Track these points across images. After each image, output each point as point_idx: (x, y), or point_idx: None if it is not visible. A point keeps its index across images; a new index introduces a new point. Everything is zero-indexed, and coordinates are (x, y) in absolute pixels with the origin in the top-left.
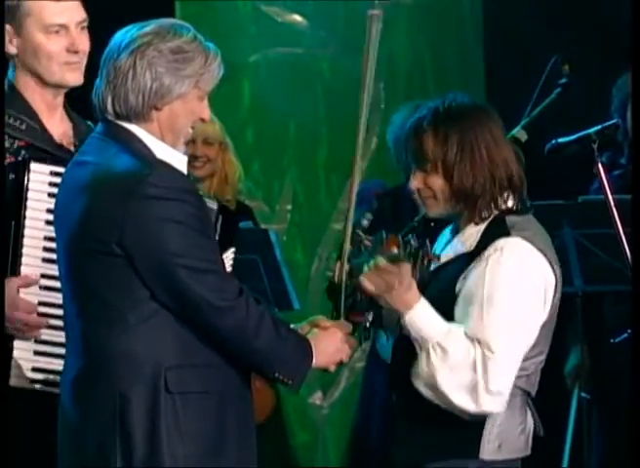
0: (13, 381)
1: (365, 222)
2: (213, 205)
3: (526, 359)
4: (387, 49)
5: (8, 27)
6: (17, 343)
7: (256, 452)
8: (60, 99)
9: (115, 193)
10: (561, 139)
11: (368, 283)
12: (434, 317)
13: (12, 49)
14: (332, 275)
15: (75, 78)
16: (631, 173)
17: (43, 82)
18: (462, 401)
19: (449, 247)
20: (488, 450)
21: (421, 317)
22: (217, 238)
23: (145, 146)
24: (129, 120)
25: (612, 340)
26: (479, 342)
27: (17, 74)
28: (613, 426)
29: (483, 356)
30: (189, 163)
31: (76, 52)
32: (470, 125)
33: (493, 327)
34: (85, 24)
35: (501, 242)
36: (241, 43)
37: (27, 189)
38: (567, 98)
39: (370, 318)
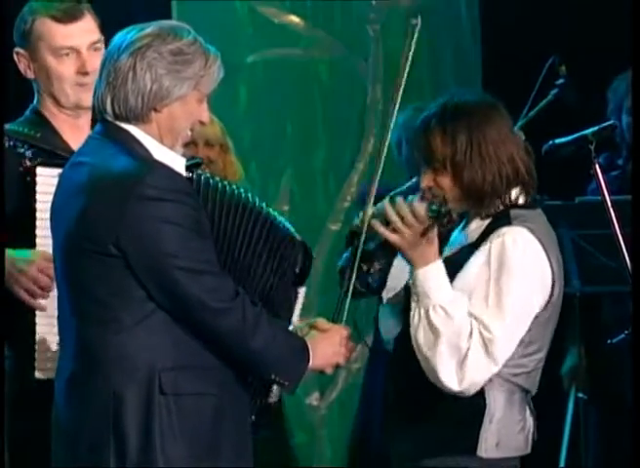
0: (38, 374)
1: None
2: (299, 239)
3: (524, 356)
4: (384, 50)
5: (23, 52)
6: (39, 337)
7: (251, 454)
8: (85, 120)
9: (112, 194)
10: (558, 140)
11: (397, 230)
12: (445, 281)
13: (30, 74)
14: (355, 223)
15: (90, 99)
16: (631, 173)
17: (61, 105)
18: (448, 374)
19: (456, 240)
20: (486, 448)
21: (434, 276)
22: (297, 270)
23: (144, 147)
24: (128, 121)
25: (609, 341)
26: (485, 325)
27: (39, 98)
28: (609, 426)
29: (481, 335)
30: (197, 167)
31: (86, 73)
32: (477, 123)
33: (500, 314)
34: (99, 45)
35: (504, 230)
36: (238, 44)
37: (35, 192)
38: (564, 99)
39: (377, 267)
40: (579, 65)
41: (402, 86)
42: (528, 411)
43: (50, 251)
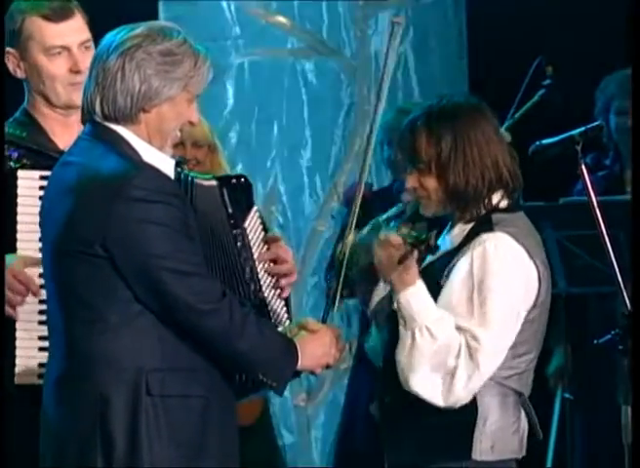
0: (18, 379)
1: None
2: (212, 182)
3: (515, 357)
4: (372, 52)
5: (13, 52)
6: (19, 342)
7: (238, 455)
8: (75, 118)
9: (99, 194)
10: (545, 141)
11: (375, 254)
12: (429, 301)
13: (20, 73)
14: (337, 251)
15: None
16: (632, 173)
17: (52, 104)
18: (432, 392)
19: (440, 246)
20: (480, 451)
21: (416, 298)
22: (230, 211)
23: (132, 148)
24: (117, 122)
25: (595, 341)
26: (471, 336)
27: (29, 98)
28: (596, 427)
29: (468, 346)
30: (179, 166)
31: (79, 72)
32: (463, 125)
33: (486, 323)
34: (89, 44)
35: (484, 236)
36: (225, 44)
37: (17, 196)
38: (550, 100)
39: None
40: (565, 66)
41: (387, 84)
42: (522, 414)
43: (31, 254)
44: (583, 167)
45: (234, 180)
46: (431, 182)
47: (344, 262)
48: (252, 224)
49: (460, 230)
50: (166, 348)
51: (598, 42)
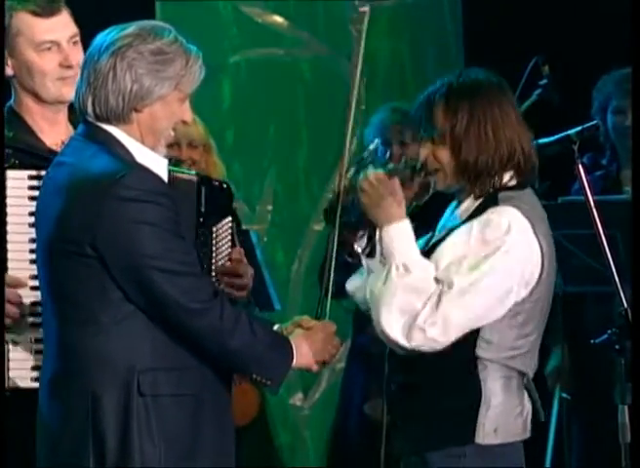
0: (12, 382)
1: (372, 146)
2: (192, 177)
3: (520, 337)
4: (367, 49)
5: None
6: (13, 346)
7: (233, 454)
8: (63, 114)
9: (89, 194)
10: (542, 140)
11: (361, 193)
12: (411, 242)
13: (8, 70)
14: (332, 193)
15: (72, 93)
16: (632, 172)
17: (41, 100)
18: (397, 330)
19: (446, 223)
20: (484, 435)
21: (399, 234)
22: (202, 209)
23: (124, 148)
24: (109, 122)
25: (592, 341)
26: (443, 282)
27: (16, 95)
28: (593, 426)
29: (440, 292)
30: (175, 166)
31: (69, 66)
32: (481, 101)
33: (465, 274)
34: (77, 39)
35: (489, 210)
36: (221, 44)
37: (5, 196)
38: (547, 99)
39: (364, 238)
40: (562, 65)
41: (358, 77)
42: (526, 395)
43: (21, 254)
44: (580, 166)
45: (216, 183)
46: (444, 155)
47: (339, 204)
48: (220, 232)
49: (467, 207)
50: (158, 348)
51: (595, 41)
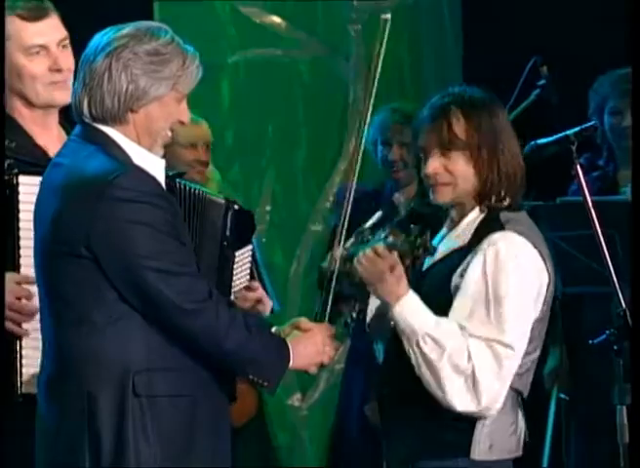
0: (25, 388)
1: (373, 220)
2: (220, 200)
3: (524, 355)
4: (366, 50)
5: None
6: (25, 351)
7: (230, 455)
8: (54, 118)
9: (83, 195)
10: (540, 141)
11: (361, 267)
12: (423, 309)
13: None
14: (326, 263)
15: (63, 97)
16: (632, 171)
17: (31, 104)
18: (461, 400)
19: (443, 242)
20: (479, 451)
21: (411, 308)
22: (227, 233)
23: (121, 149)
24: (105, 123)
25: (590, 342)
26: (492, 341)
27: (7, 99)
28: (591, 427)
29: (497, 355)
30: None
31: (59, 70)
32: (499, 115)
33: (505, 325)
34: (66, 43)
35: (496, 236)
36: (220, 44)
37: (18, 201)
38: (545, 100)
39: (357, 308)
40: (560, 66)
41: (375, 83)
42: (520, 414)
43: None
44: (578, 167)
45: (243, 210)
46: (460, 167)
47: (334, 278)
48: (242, 258)
49: (466, 227)
50: (153, 348)
51: (593, 42)
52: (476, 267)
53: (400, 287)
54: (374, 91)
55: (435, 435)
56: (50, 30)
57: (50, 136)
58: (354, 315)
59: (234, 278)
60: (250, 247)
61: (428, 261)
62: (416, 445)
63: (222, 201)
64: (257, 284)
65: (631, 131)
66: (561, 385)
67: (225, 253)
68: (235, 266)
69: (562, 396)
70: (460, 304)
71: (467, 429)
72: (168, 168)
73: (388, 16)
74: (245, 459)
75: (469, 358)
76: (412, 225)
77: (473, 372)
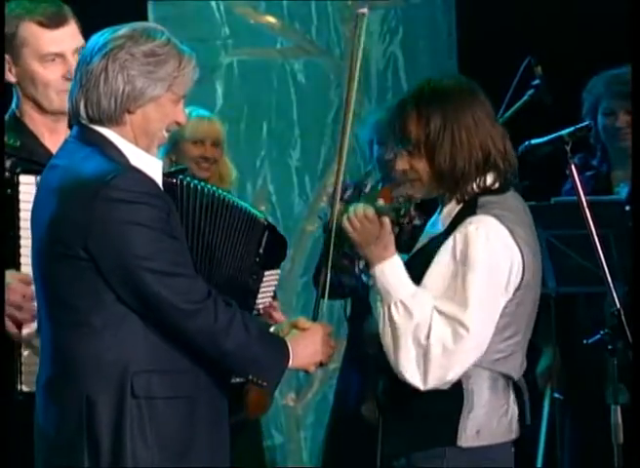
0: (25, 387)
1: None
2: (261, 219)
3: (502, 341)
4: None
5: (6, 57)
6: (25, 350)
7: (228, 456)
8: (63, 124)
9: (81, 196)
10: (534, 141)
11: (349, 228)
12: (404, 276)
13: (11, 78)
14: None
15: None
16: (632, 171)
17: (43, 109)
18: (411, 371)
19: (431, 228)
20: (465, 437)
21: (391, 272)
22: (261, 251)
23: (118, 150)
24: (102, 124)
25: (584, 341)
26: (453, 320)
27: (18, 103)
28: (585, 427)
29: (455, 333)
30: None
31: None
32: (453, 107)
33: (467, 305)
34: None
35: (468, 220)
36: (214, 44)
37: (18, 200)
38: (539, 100)
39: (359, 261)
40: (554, 66)
41: (356, 78)
42: (512, 397)
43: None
44: (573, 167)
45: (280, 235)
46: (421, 164)
47: (333, 236)
48: (269, 279)
49: (448, 212)
50: (151, 350)
51: (587, 42)
52: (446, 247)
53: (386, 249)
54: (355, 85)
55: (424, 426)
56: (67, 38)
57: (58, 141)
58: (361, 266)
59: (259, 296)
60: (278, 271)
61: (415, 246)
62: (408, 437)
63: (263, 219)
64: (277, 304)
65: (632, 131)
66: (555, 385)
67: (256, 270)
68: (262, 285)
69: (556, 396)
70: (429, 283)
71: (453, 417)
72: (176, 163)
73: (365, 10)
74: (238, 460)
75: (428, 335)
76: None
77: (428, 350)
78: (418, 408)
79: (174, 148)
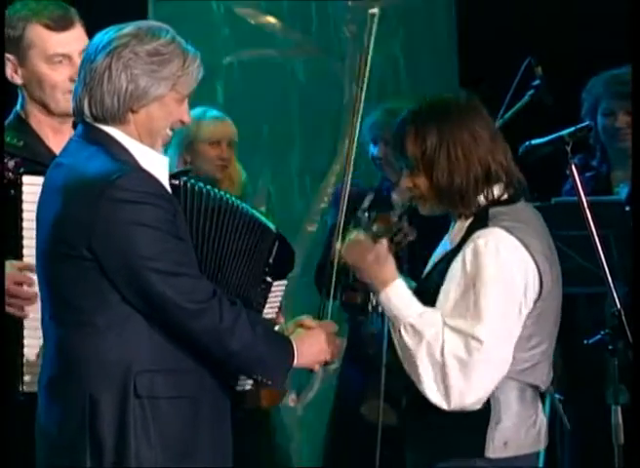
0: (26, 388)
1: (366, 203)
2: (272, 229)
3: (527, 350)
4: (361, 51)
5: (12, 58)
6: (27, 350)
7: (231, 456)
8: (68, 126)
9: (85, 196)
10: (534, 141)
11: (345, 254)
12: (408, 298)
13: (17, 79)
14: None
15: None
16: (632, 171)
17: (50, 111)
18: (434, 394)
19: (443, 246)
20: (493, 448)
21: (396, 295)
22: (270, 261)
23: (124, 148)
24: (106, 122)
25: (585, 342)
26: (467, 335)
27: (24, 104)
28: (586, 427)
29: (469, 348)
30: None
31: None
32: (449, 125)
33: (480, 319)
34: None
35: (478, 233)
36: (214, 45)
37: (22, 201)
38: (540, 100)
39: (372, 296)
40: (555, 67)
41: (365, 80)
42: (540, 407)
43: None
44: (573, 167)
45: (289, 246)
46: (422, 182)
47: (335, 269)
48: (277, 289)
49: (458, 229)
50: (155, 350)
51: (587, 42)
52: (457, 263)
53: (385, 272)
54: (364, 86)
55: (451, 437)
56: (74, 41)
57: (62, 142)
58: (374, 302)
59: (266, 306)
60: (285, 281)
61: (428, 265)
62: (434, 448)
63: (274, 229)
64: (282, 319)
65: (632, 131)
66: (555, 385)
67: (264, 279)
68: (270, 295)
69: (557, 396)
70: (442, 300)
71: (481, 428)
72: (191, 164)
73: (376, 10)
74: (249, 457)
75: (442, 351)
76: (390, 211)
77: (444, 364)
78: (445, 419)
79: (188, 149)
